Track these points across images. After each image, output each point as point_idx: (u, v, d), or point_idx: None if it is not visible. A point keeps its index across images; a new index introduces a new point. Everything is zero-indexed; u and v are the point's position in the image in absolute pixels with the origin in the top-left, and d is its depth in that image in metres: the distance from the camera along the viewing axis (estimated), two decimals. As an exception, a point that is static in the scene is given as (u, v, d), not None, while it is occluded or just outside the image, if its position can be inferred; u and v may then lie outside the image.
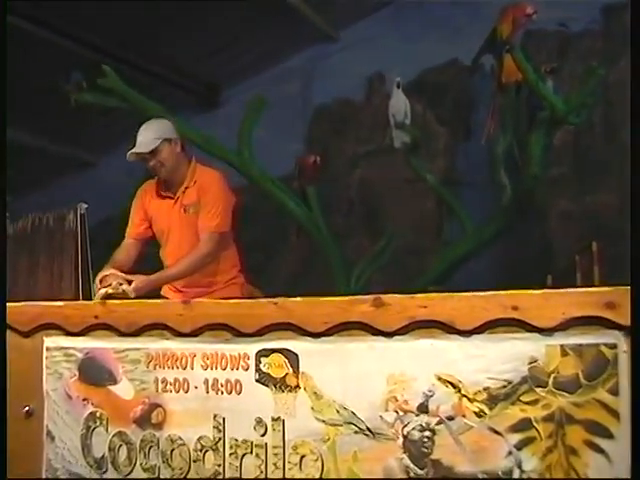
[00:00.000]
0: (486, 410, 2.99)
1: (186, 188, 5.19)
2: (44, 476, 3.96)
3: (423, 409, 3.10)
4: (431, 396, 3.08)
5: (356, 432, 3.22)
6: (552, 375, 2.91)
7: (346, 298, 3.41)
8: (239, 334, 3.56)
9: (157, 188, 5.37)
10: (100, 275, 4.67)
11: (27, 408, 4.03)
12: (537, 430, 2.91)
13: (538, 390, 2.92)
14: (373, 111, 9.31)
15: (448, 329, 3.11)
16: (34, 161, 10.14)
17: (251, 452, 3.45)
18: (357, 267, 7.76)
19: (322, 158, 8.07)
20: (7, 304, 4.21)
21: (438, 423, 3.07)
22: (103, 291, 4.33)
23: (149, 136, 5.15)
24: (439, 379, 3.08)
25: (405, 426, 3.12)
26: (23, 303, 4.27)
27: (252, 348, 3.50)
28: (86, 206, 5.83)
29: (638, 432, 2.66)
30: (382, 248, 7.99)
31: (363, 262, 7.83)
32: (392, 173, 8.86)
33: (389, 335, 3.22)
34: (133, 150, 5.16)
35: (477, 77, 8.28)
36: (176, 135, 5.28)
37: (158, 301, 3.85)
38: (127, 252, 5.33)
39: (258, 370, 3.47)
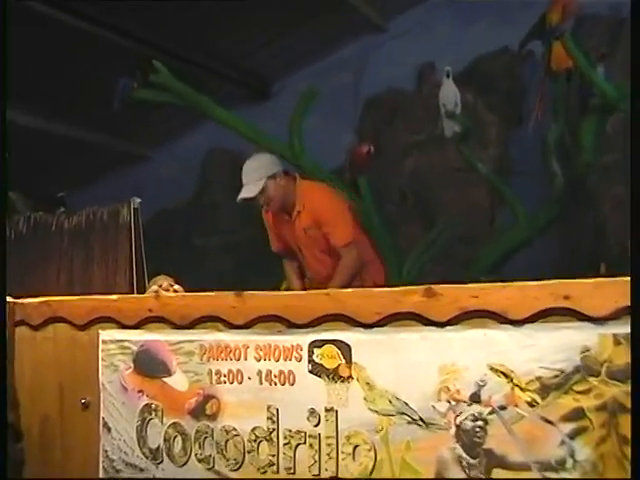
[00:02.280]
0: (538, 400, 2.97)
1: (298, 212, 5.43)
2: (101, 466, 4.01)
3: (475, 399, 3.09)
4: (483, 386, 3.07)
5: (409, 422, 3.22)
6: (605, 364, 2.88)
7: (398, 289, 3.41)
8: (292, 325, 3.57)
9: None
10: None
11: (84, 400, 4.08)
12: (590, 419, 2.88)
13: (591, 379, 2.90)
14: (424, 101, 9.26)
15: (500, 319, 3.10)
16: (89, 156, 10.25)
17: (305, 442, 3.47)
18: (409, 257, 7.74)
19: (374, 148, 8.05)
20: (64, 298, 4.29)
21: (490, 413, 3.06)
22: (155, 287, 4.40)
23: (252, 178, 5.47)
24: (491, 369, 3.07)
25: (457, 416, 3.12)
26: (79, 297, 4.33)
27: (305, 339, 3.51)
28: (140, 200, 5.89)
29: (638, 431, 2.64)
30: (434, 238, 7.97)
31: (415, 252, 7.81)
32: (443, 163, 8.83)
33: (441, 325, 3.22)
34: (240, 196, 5.54)
35: (529, 64, 8.22)
36: (278, 167, 5.49)
37: (211, 294, 3.86)
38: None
39: (311, 361, 3.48)
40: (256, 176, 5.49)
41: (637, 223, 2.82)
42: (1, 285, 3.91)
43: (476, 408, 3.09)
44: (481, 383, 3.08)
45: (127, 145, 10.93)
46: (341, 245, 5.52)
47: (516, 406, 3.02)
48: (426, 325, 3.25)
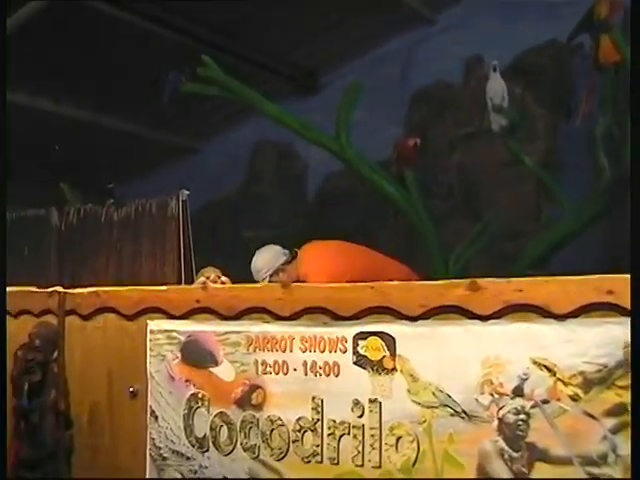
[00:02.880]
0: (581, 394, 2.99)
1: None
2: (148, 454, 4.08)
3: (518, 392, 3.11)
4: (526, 379, 3.09)
5: (452, 414, 3.24)
6: (648, 359, 2.88)
7: (442, 282, 3.43)
8: (337, 317, 3.60)
9: None
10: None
11: (132, 389, 4.14)
12: (632, 414, 2.89)
13: (634, 374, 2.90)
14: (471, 94, 9.23)
15: (543, 313, 3.11)
16: (138, 149, 10.34)
17: (348, 433, 3.50)
18: (455, 250, 7.75)
19: (420, 141, 8.05)
20: (113, 288, 4.35)
21: (533, 406, 3.08)
22: (202, 279, 4.45)
23: (258, 278, 5.35)
24: (534, 363, 3.08)
25: (500, 409, 3.14)
26: (127, 288, 4.39)
27: (350, 331, 3.54)
28: (188, 193, 5.94)
29: (638, 431, 2.65)
30: (481, 231, 7.97)
31: (461, 245, 7.82)
32: (491, 156, 8.79)
33: (484, 319, 3.24)
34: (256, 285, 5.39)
35: (577, 58, 8.16)
36: (279, 260, 5.40)
37: (258, 285, 3.92)
38: None
39: (355, 353, 3.52)
40: (260, 276, 5.48)
41: (637, 222, 2.82)
42: (1, 281, 3.96)
43: (519, 401, 3.11)
44: (524, 377, 3.10)
45: (176, 138, 11.01)
46: None
47: (559, 400, 3.03)
48: (470, 318, 3.27)
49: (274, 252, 5.50)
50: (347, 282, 5.14)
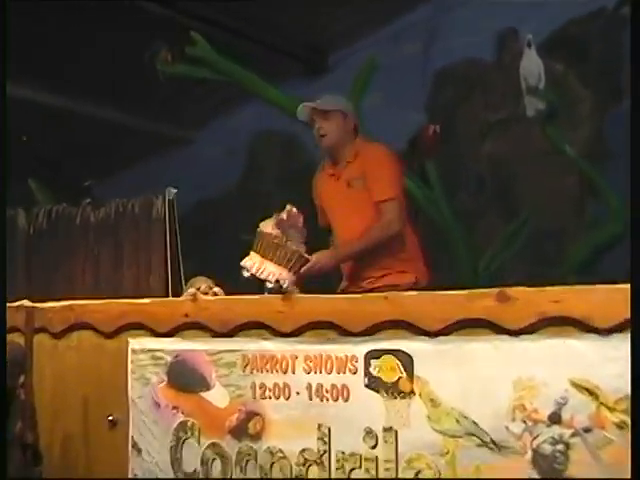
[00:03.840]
0: (629, 421, 2.97)
1: (348, 162, 5.40)
2: (131, 492, 4.10)
3: (555, 419, 3.10)
4: (564, 404, 3.08)
5: (478, 445, 3.24)
6: None
7: (466, 292, 3.42)
8: (346, 333, 3.61)
9: (325, 168, 5.67)
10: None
11: (111, 417, 4.16)
12: (688, 445, 2.89)
13: (689, 397, 2.90)
14: (504, 73, 9.20)
15: (584, 327, 3.10)
16: (119, 139, 10.35)
17: (360, 467, 3.51)
18: (486, 253, 7.75)
19: (445, 128, 8.03)
20: (90, 302, 4.37)
21: (573, 435, 3.07)
22: (192, 290, 4.46)
23: (328, 100, 5.44)
24: (573, 385, 3.07)
25: (535, 438, 3.13)
26: (106, 300, 4.40)
27: (360, 349, 3.55)
28: (175, 191, 5.94)
29: (638, 432, 2.65)
30: (515, 231, 7.96)
31: (493, 247, 7.81)
32: (526, 145, 8.77)
33: (515, 334, 3.23)
34: (307, 103, 5.49)
35: (628, 29, 8.13)
36: (353, 114, 5.52)
37: (255, 297, 3.91)
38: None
39: (367, 374, 3.53)
40: (331, 101, 5.53)
41: (637, 224, 2.84)
42: (1, 285, 3.99)
43: (556, 430, 3.10)
44: (562, 401, 3.09)
45: (163, 126, 11.00)
46: (382, 199, 5.27)
47: (602, 428, 3.02)
48: (498, 333, 3.27)
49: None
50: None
